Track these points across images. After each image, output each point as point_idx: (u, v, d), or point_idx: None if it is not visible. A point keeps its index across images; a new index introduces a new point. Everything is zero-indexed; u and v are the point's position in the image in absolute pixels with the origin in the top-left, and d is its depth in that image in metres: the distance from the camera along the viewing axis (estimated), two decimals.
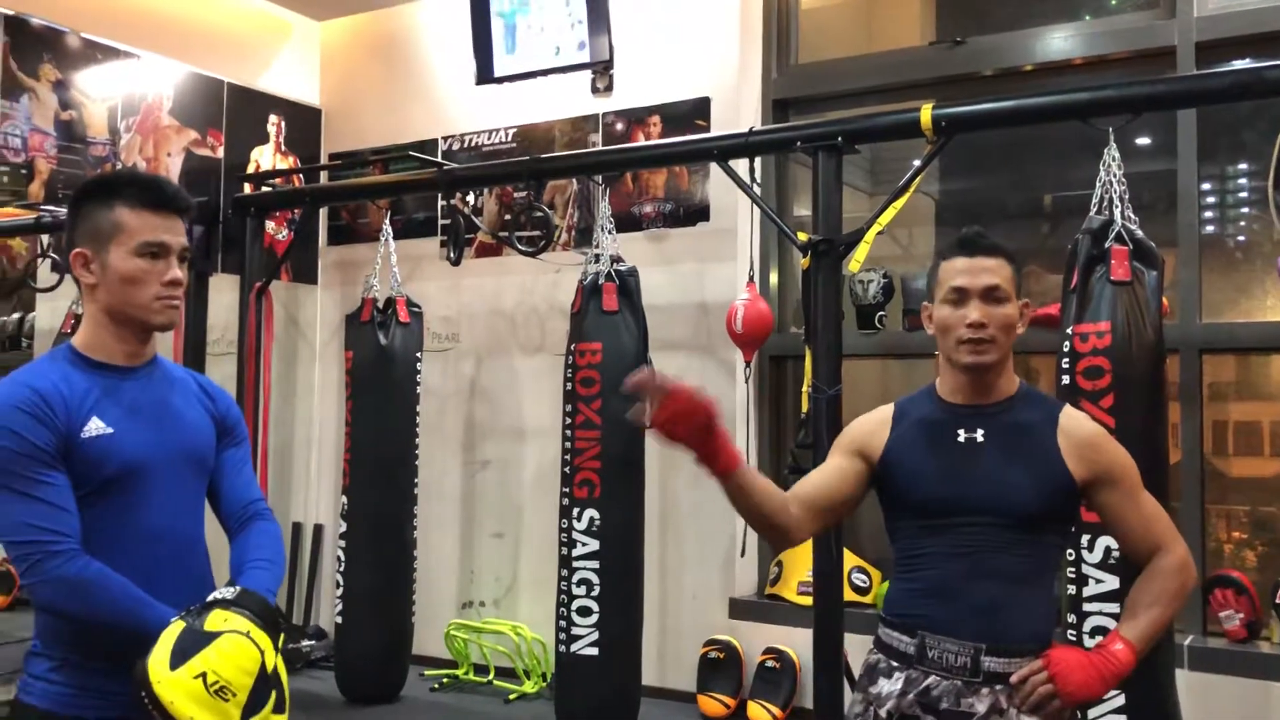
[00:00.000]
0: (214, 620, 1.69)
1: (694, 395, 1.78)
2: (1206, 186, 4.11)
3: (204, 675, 1.62)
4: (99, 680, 1.73)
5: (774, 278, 4.61)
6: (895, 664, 1.94)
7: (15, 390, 1.73)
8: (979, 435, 1.95)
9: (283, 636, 1.79)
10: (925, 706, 1.89)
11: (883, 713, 1.92)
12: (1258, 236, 4.10)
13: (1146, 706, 3.03)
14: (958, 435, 1.97)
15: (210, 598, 1.76)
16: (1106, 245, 3.17)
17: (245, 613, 1.73)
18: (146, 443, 1.79)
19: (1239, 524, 4.13)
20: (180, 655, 1.63)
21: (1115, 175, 3.25)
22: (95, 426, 1.74)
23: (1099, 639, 3.02)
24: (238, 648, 1.67)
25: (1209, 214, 4.15)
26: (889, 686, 1.93)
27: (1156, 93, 3.25)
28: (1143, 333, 3.12)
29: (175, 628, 1.67)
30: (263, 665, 1.69)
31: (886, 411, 2.08)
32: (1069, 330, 3.19)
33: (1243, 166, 4.08)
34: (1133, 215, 3.24)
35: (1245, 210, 4.19)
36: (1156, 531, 1.93)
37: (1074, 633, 3.09)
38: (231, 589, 1.77)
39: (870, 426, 2.06)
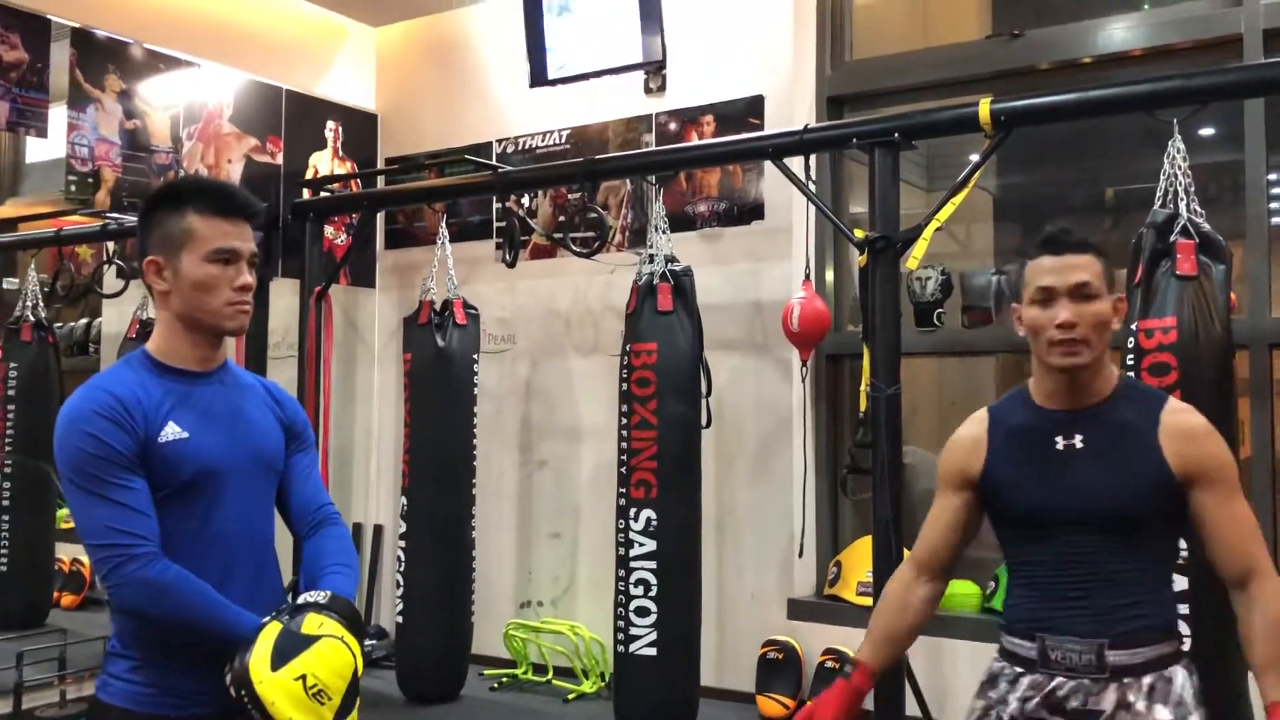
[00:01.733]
0: (310, 624, 1.73)
1: None
2: (1274, 177, 4.01)
3: (304, 678, 1.66)
4: (178, 680, 1.77)
5: (830, 276, 4.58)
6: (1019, 669, 1.93)
7: (95, 395, 1.77)
8: (1077, 441, 1.92)
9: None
10: (1051, 708, 1.87)
11: (1006, 716, 1.92)
12: None
13: (1219, 712, 2.96)
14: (1056, 442, 1.93)
15: (301, 600, 1.79)
16: (1172, 239, 3.11)
17: (337, 617, 1.76)
18: (220, 447, 1.83)
19: None
20: (280, 657, 1.66)
21: (1180, 168, 3.19)
22: (172, 431, 1.78)
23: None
24: (335, 652, 1.71)
25: (1277, 205, 4.05)
26: (1012, 692, 1.92)
27: (1224, 82, 3.18)
28: (1210, 328, 3.06)
29: (273, 629, 1.70)
30: (354, 670, 1.73)
31: (981, 425, 2.06)
32: (1134, 326, 3.13)
33: None
34: (1198, 208, 3.17)
35: None
36: (1248, 546, 1.88)
37: None
38: (322, 593, 1.81)
39: (967, 447, 2.05)
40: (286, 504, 1.97)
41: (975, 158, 3.48)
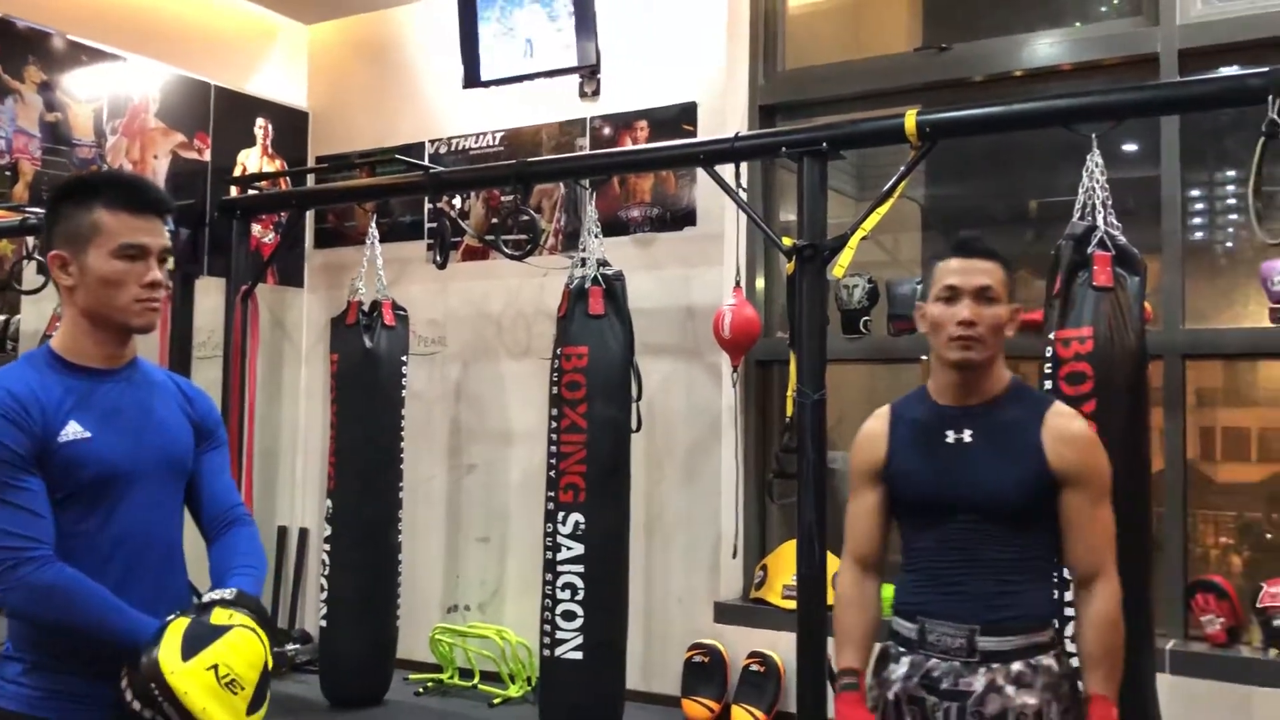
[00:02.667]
0: (219, 616, 1.71)
1: None
2: (1195, 193, 4.14)
3: (216, 667, 1.64)
4: (71, 683, 1.72)
5: (760, 283, 4.61)
6: (902, 649, 2.04)
7: None
8: (966, 435, 2.03)
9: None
10: (928, 687, 1.98)
11: (890, 695, 2.02)
12: (1241, 243, 4.12)
13: (1128, 711, 3.03)
14: (946, 436, 2.05)
15: (206, 598, 1.76)
16: (1089, 251, 3.19)
17: (246, 611, 1.74)
18: (125, 447, 1.78)
19: (1226, 529, 4.15)
20: (191, 647, 1.64)
21: (1098, 181, 3.27)
22: (73, 431, 1.73)
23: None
24: (247, 642, 1.70)
25: (1196, 220, 4.18)
26: (897, 670, 2.03)
27: (1138, 99, 3.27)
28: (1125, 338, 3.14)
29: (181, 622, 1.67)
30: (265, 663, 1.71)
31: (883, 421, 2.17)
32: (1051, 336, 3.20)
33: (1228, 174, 4.10)
34: (1116, 221, 3.25)
35: (1229, 217, 4.22)
36: (1102, 551, 1.99)
37: None
38: (228, 590, 1.78)
39: (872, 441, 2.16)
40: (197, 504, 1.93)
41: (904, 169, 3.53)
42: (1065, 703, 1.96)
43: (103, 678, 1.69)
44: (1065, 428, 2.01)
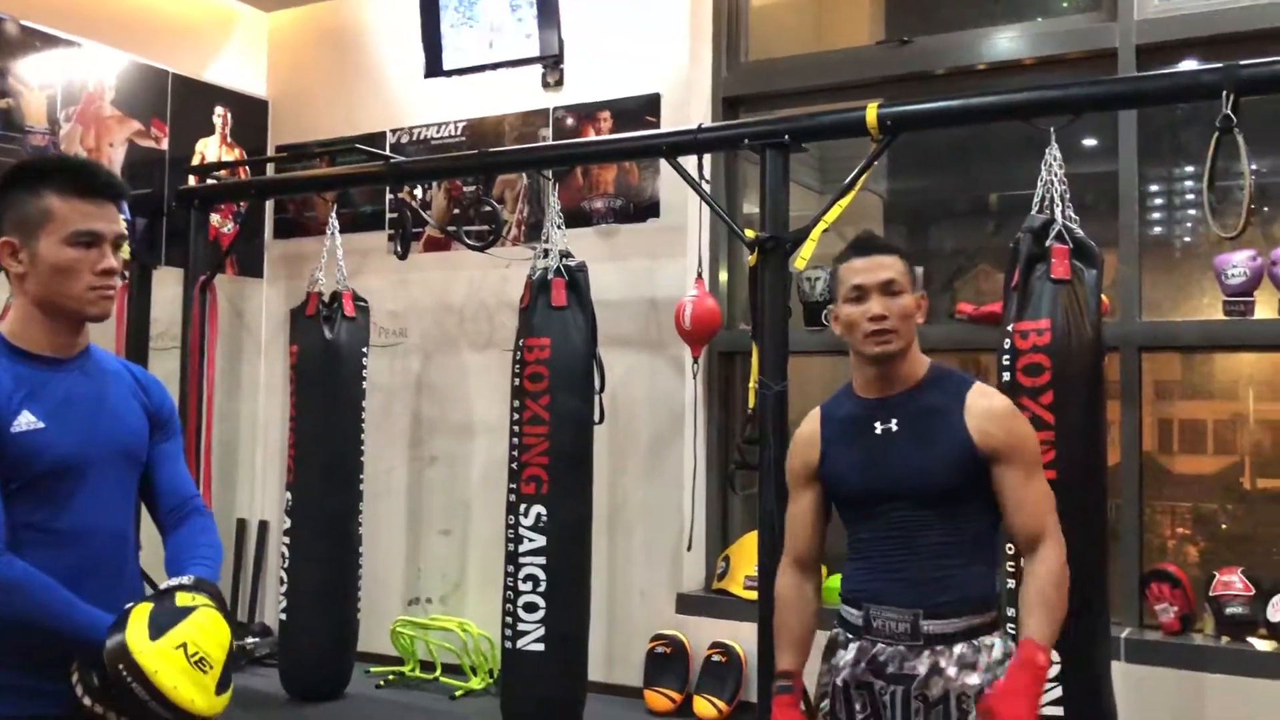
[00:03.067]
0: (182, 599, 1.70)
1: None
2: (1153, 188, 4.19)
3: (184, 646, 1.63)
4: (23, 679, 1.69)
5: (723, 275, 4.62)
6: (850, 636, 2.08)
7: None
8: (893, 425, 2.08)
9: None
10: (875, 672, 2.01)
11: (839, 681, 2.06)
12: (1198, 238, 4.18)
13: (1083, 698, 3.08)
14: (875, 428, 2.10)
15: (165, 585, 1.74)
16: (1047, 244, 3.22)
17: (206, 595, 1.74)
18: (79, 437, 1.75)
19: (1183, 520, 4.21)
20: (158, 627, 1.63)
21: (1056, 175, 3.30)
22: (26, 421, 1.70)
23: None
24: (214, 622, 1.70)
25: (1155, 215, 4.23)
26: (845, 656, 2.06)
27: (1095, 94, 3.30)
28: (1082, 330, 3.17)
29: (144, 606, 1.66)
30: (231, 645, 1.71)
31: (815, 422, 2.23)
32: (1009, 328, 3.23)
33: (1185, 169, 4.15)
34: (1074, 215, 3.28)
35: (1186, 212, 4.27)
36: (1041, 516, 2.03)
37: None
38: (187, 577, 1.77)
39: (805, 443, 2.22)
40: (152, 494, 1.90)
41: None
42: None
43: (57, 673, 1.67)
44: (987, 406, 2.06)
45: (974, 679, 1.95)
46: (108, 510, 1.79)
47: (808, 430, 2.22)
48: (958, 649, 1.97)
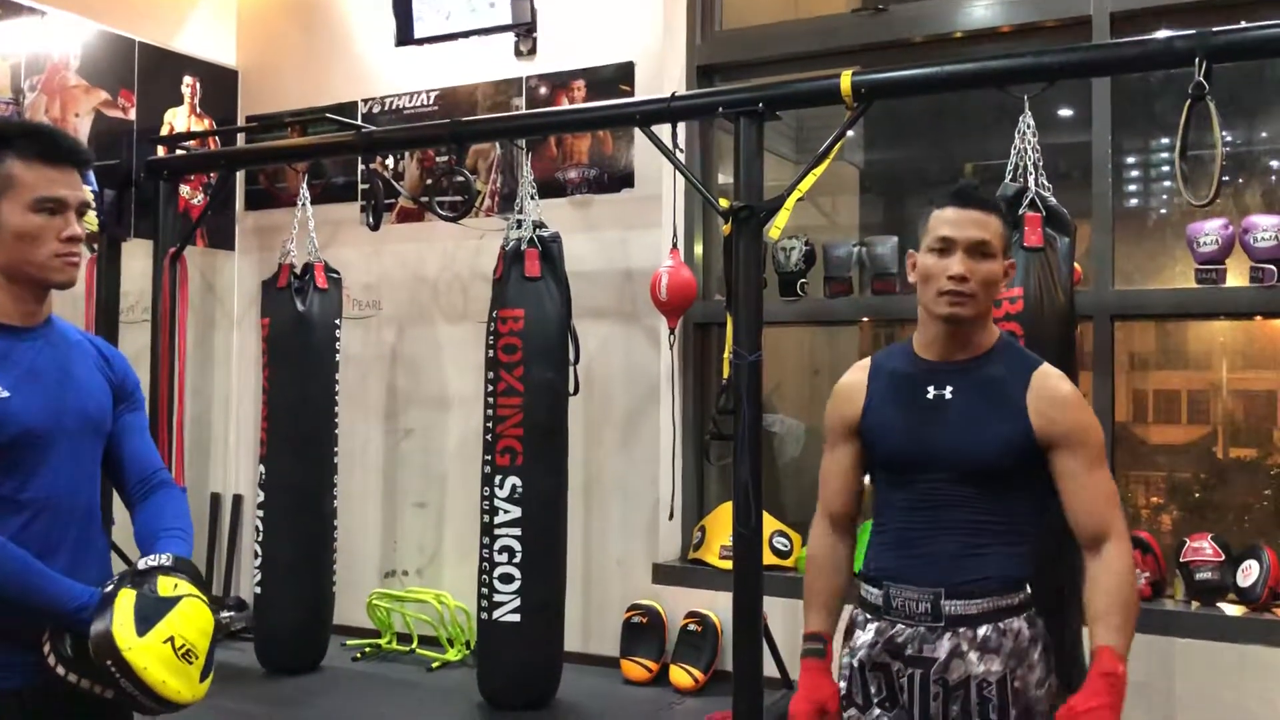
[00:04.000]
0: (165, 586, 1.69)
1: None
2: (1128, 159, 4.20)
3: (171, 639, 1.63)
4: None
5: (699, 245, 4.60)
6: (869, 615, 1.98)
7: None
8: (947, 392, 1.95)
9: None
10: (893, 653, 1.92)
11: (856, 662, 1.97)
12: (1170, 208, 4.19)
13: (1055, 661, 3.10)
14: (927, 392, 1.97)
15: (144, 565, 1.73)
16: (1020, 212, 3.21)
17: (187, 578, 1.72)
18: (44, 407, 1.73)
19: (1157, 489, 4.24)
20: (144, 621, 1.62)
21: (1030, 143, 3.30)
22: None
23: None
24: (198, 611, 1.70)
25: (1129, 185, 4.24)
26: (863, 637, 1.97)
27: (1069, 61, 3.28)
28: (1054, 298, 3.18)
29: (128, 595, 1.64)
30: (212, 629, 1.72)
31: (862, 372, 2.09)
32: None
33: (1161, 140, 4.15)
34: (1046, 183, 3.28)
35: (1161, 183, 4.29)
36: (1104, 511, 1.91)
37: None
38: (164, 555, 1.75)
39: (848, 396, 2.08)
40: (118, 467, 1.88)
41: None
42: (1038, 669, 1.91)
43: (27, 644, 1.65)
44: (1053, 390, 1.93)
45: (996, 665, 1.86)
46: (74, 481, 1.77)
47: (853, 380, 2.08)
48: (981, 631, 1.87)
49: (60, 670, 1.63)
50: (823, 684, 1.97)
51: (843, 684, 1.99)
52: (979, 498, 1.90)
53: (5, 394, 1.68)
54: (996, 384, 1.94)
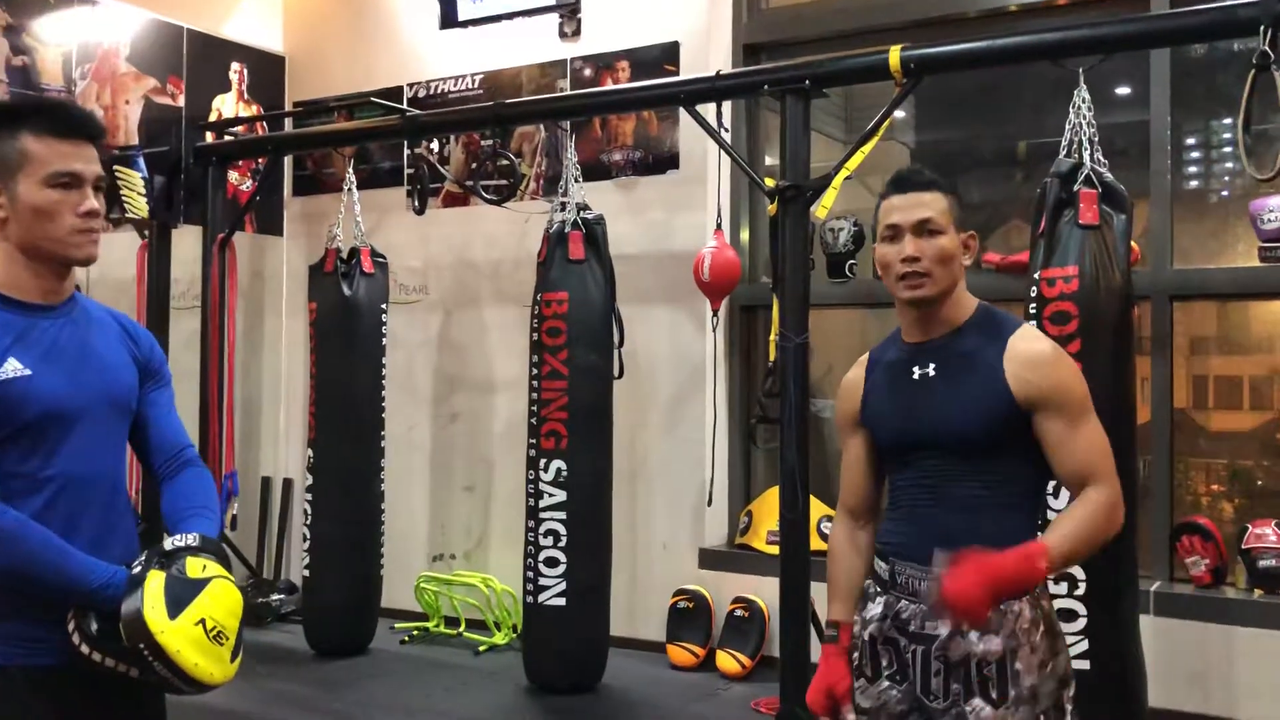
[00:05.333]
0: (193, 568, 1.68)
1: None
2: (1190, 142, 4.08)
3: (203, 622, 1.63)
4: (23, 629, 1.67)
5: (745, 227, 4.55)
6: (878, 589, 2.01)
7: None
8: (930, 370, 1.98)
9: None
10: (899, 629, 1.95)
11: (866, 635, 2.00)
12: (1232, 187, 4.06)
13: (1110, 651, 3.03)
14: (913, 373, 2.00)
15: (171, 545, 1.72)
16: (1075, 189, 3.13)
17: (215, 559, 1.72)
18: (67, 385, 1.73)
19: (1217, 477, 4.12)
20: (176, 604, 1.62)
21: (1085, 118, 3.21)
22: (12, 368, 1.67)
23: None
24: (227, 593, 1.69)
25: (1190, 166, 4.12)
26: (872, 611, 2.00)
27: (1126, 32, 3.19)
28: (1110, 277, 3.09)
29: (158, 577, 1.64)
30: (241, 610, 1.71)
31: (860, 368, 2.15)
32: (1036, 275, 3.15)
33: (1223, 117, 4.02)
34: (1102, 159, 3.19)
35: (1224, 165, 4.16)
36: (1093, 462, 1.90)
37: None
38: (191, 535, 1.75)
39: (849, 391, 2.14)
40: (145, 445, 1.88)
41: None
42: (1040, 651, 1.88)
43: (57, 622, 1.66)
44: (1027, 351, 1.93)
45: (996, 645, 1.85)
46: (98, 459, 1.77)
47: (853, 376, 2.14)
48: None
49: (85, 649, 1.64)
50: (834, 669, 2.02)
51: (854, 655, 2.02)
52: (974, 471, 1.92)
53: (27, 372, 1.68)
54: (973, 355, 1.96)
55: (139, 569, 1.66)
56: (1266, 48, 2.87)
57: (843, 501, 2.15)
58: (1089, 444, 1.91)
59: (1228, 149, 4.10)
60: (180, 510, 1.82)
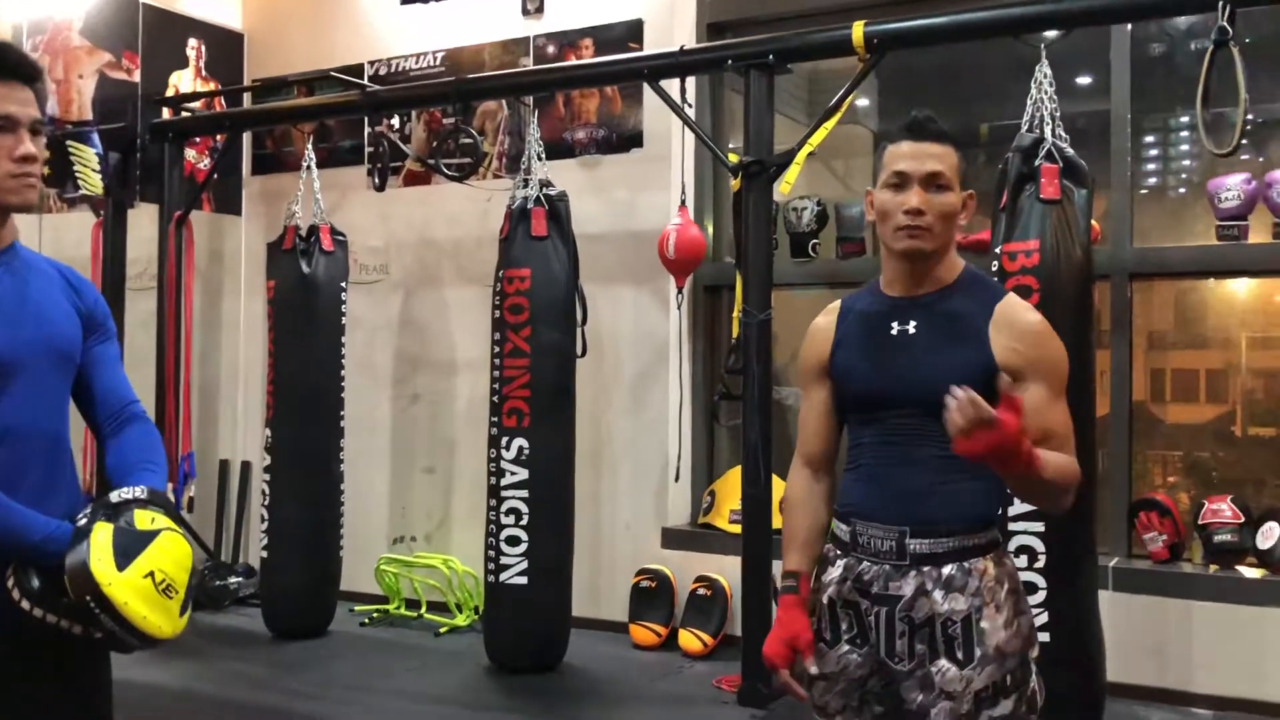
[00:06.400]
0: (142, 520, 1.64)
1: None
2: (1149, 139, 4.11)
3: (152, 574, 1.59)
4: None
5: (709, 207, 4.53)
6: (838, 552, 1.96)
7: None
8: (911, 327, 1.93)
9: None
10: (861, 591, 1.91)
11: (825, 598, 1.95)
12: (1192, 170, 4.10)
13: (1070, 624, 3.04)
14: (891, 328, 1.94)
15: (118, 497, 1.68)
16: (1036, 163, 3.14)
17: (163, 512, 1.68)
18: (6, 336, 1.67)
19: (1175, 468, 4.15)
20: (124, 556, 1.58)
21: (1046, 93, 3.22)
22: None
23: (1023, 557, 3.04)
24: (177, 545, 1.65)
25: (1152, 152, 4.15)
26: (832, 574, 1.95)
27: (1087, 8, 3.21)
28: (1071, 251, 3.10)
29: (105, 528, 1.60)
30: (192, 563, 1.67)
31: (832, 315, 2.07)
32: (998, 249, 3.16)
33: (1182, 120, 4.06)
34: (1064, 134, 3.20)
35: (1179, 140, 4.20)
36: (1065, 437, 1.88)
37: None
38: (139, 489, 1.70)
39: (819, 339, 2.06)
40: (89, 400, 1.82)
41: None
42: (1005, 610, 1.86)
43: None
44: (1015, 319, 1.89)
45: (961, 604, 1.82)
46: (39, 412, 1.71)
47: (823, 323, 2.06)
48: (946, 570, 1.84)
49: (25, 605, 1.58)
50: (795, 619, 1.95)
51: (814, 619, 1.97)
52: (944, 434, 1.82)
53: None
54: (960, 317, 1.91)
55: (84, 521, 1.61)
56: (1224, 23, 2.90)
57: (801, 451, 2.09)
58: (1061, 423, 1.89)
59: (1184, 133, 4.14)
60: (128, 465, 1.77)
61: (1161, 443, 4.17)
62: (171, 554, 1.62)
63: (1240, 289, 4.10)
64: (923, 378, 1.88)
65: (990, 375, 1.85)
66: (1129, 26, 3.71)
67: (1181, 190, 4.25)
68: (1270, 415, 4.04)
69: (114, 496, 1.67)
